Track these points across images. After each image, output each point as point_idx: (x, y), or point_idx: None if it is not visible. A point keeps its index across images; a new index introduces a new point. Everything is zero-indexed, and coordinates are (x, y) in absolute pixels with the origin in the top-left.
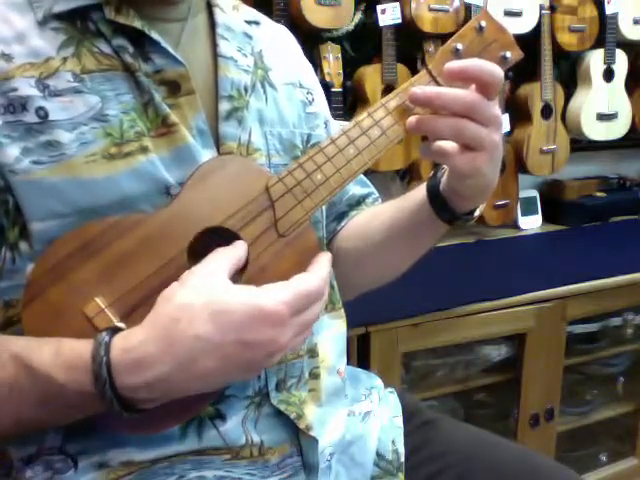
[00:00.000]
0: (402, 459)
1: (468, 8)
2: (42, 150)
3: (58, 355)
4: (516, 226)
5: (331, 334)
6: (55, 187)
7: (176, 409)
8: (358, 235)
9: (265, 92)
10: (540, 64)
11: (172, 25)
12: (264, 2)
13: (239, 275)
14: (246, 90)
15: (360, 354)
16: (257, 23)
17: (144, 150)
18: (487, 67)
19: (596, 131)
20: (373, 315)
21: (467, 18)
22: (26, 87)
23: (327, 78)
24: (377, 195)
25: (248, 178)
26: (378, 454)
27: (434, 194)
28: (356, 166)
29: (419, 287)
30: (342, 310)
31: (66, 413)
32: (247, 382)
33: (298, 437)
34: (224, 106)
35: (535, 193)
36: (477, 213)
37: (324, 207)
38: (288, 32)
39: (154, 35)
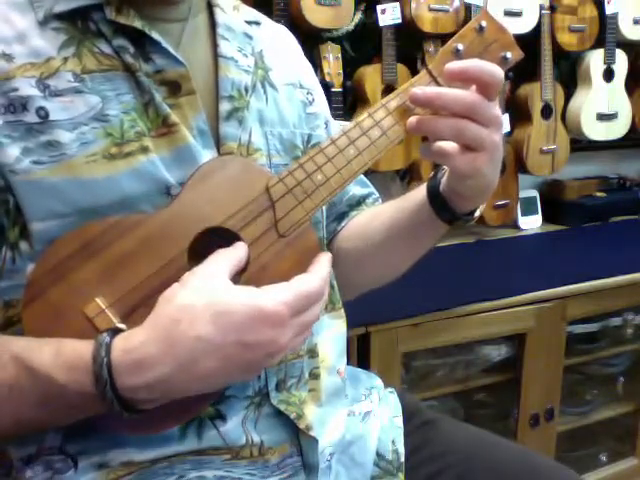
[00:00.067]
0: (402, 459)
1: (468, 8)
2: (42, 150)
3: (59, 356)
4: (516, 226)
5: (331, 334)
6: (55, 187)
7: (176, 410)
8: (358, 235)
9: (265, 92)
10: (540, 64)
11: (173, 25)
12: (264, 2)
13: (239, 275)
14: (246, 90)
15: (360, 354)
16: (257, 23)
17: (144, 150)
18: (487, 68)
19: (596, 131)
20: (373, 315)
21: (467, 18)
22: (27, 87)
23: (327, 78)
24: (377, 195)
25: (248, 178)
26: (378, 454)
27: (434, 194)
28: (356, 166)
29: (419, 287)
30: (342, 310)
31: (66, 413)
32: (247, 382)
33: (298, 437)
34: (224, 106)
35: (535, 193)
36: (477, 213)
37: (324, 207)
38: (288, 32)
39: (155, 35)
